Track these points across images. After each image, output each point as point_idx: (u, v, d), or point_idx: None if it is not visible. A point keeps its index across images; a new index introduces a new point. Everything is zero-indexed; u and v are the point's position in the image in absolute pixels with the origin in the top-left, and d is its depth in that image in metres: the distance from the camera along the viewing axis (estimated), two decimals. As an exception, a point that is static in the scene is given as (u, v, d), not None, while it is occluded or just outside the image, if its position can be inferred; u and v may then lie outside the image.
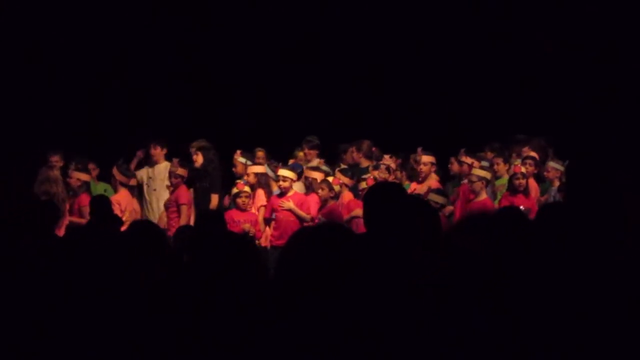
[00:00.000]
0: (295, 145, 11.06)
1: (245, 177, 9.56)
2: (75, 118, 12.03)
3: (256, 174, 9.47)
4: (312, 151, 10.29)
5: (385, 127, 11.85)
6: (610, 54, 11.55)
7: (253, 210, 9.26)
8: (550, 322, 1.99)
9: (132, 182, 9.96)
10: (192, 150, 10.18)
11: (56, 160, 10.14)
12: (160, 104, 12.37)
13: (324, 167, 9.74)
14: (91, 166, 10.17)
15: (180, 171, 9.67)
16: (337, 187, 9.11)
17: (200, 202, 9.84)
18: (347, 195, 9.31)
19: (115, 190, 9.70)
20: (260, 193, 9.34)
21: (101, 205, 8.05)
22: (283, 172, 9.23)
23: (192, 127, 11.96)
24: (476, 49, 11.91)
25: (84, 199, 9.32)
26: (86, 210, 8.83)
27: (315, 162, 10.04)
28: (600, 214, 2.19)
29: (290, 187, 9.18)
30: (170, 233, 8.07)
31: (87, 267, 3.50)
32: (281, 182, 9.12)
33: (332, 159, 10.53)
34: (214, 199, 9.78)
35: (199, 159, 10.02)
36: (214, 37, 12.44)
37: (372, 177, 9.11)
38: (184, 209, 9.48)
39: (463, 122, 11.55)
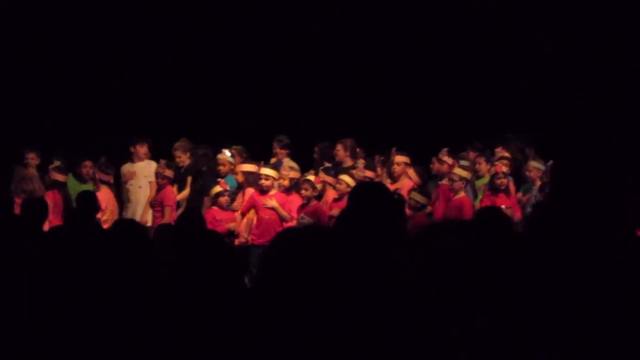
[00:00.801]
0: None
1: (235, 176, 9.55)
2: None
3: (244, 172, 9.44)
4: (283, 150, 10.20)
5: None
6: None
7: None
8: (534, 323, 1.99)
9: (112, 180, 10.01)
10: (180, 151, 10.13)
11: (32, 157, 10.11)
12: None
13: (293, 165, 9.75)
14: (86, 164, 10.10)
15: (167, 172, 9.67)
16: (319, 186, 9.10)
17: (193, 203, 9.75)
18: (331, 194, 9.29)
19: (97, 189, 9.65)
20: (249, 191, 9.30)
21: (88, 201, 8.00)
22: (265, 170, 9.17)
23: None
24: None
25: (51, 196, 9.26)
26: (51, 206, 8.65)
27: (286, 161, 9.97)
28: (596, 213, 2.19)
29: (272, 185, 9.15)
30: None
31: (79, 266, 3.50)
32: (263, 181, 9.05)
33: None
34: (206, 201, 9.63)
35: (183, 159, 10.01)
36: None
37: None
38: (168, 210, 9.48)
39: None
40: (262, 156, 10.30)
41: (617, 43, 11.56)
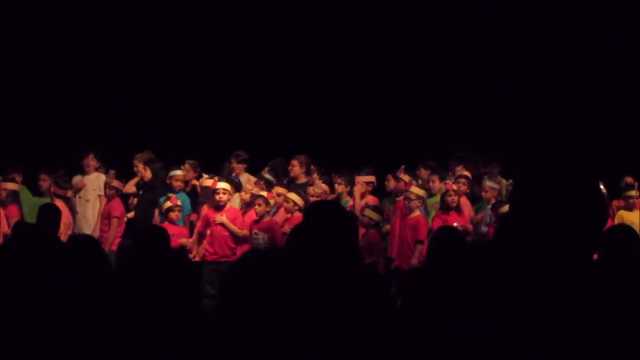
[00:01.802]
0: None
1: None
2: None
3: (201, 188, 9.44)
4: (240, 165, 10.07)
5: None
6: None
7: None
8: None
9: (69, 193, 9.90)
10: (138, 163, 9.95)
11: None
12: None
13: (268, 176, 9.66)
14: (18, 178, 9.96)
15: (116, 183, 9.60)
16: (272, 202, 9.08)
17: (139, 214, 9.67)
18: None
19: (52, 201, 9.53)
20: (205, 207, 9.24)
21: (51, 213, 7.88)
22: (222, 184, 9.09)
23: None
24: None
25: (12, 210, 9.24)
26: (13, 221, 8.61)
27: (245, 176, 9.91)
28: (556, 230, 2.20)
29: (228, 200, 9.10)
30: (103, 245, 8.08)
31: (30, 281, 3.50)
32: (221, 195, 8.98)
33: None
34: (157, 213, 9.51)
35: (147, 173, 9.80)
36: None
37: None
38: (114, 222, 9.42)
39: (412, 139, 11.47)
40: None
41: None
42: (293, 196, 8.95)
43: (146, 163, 9.84)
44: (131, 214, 9.87)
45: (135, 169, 9.95)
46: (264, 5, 12.21)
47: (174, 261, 3.41)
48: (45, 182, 9.99)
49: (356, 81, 12.15)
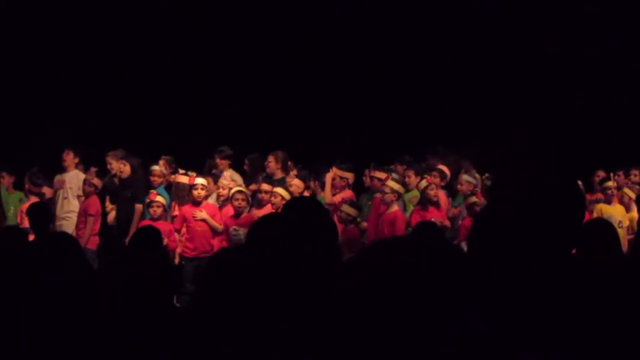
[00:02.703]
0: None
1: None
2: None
3: (174, 184, 9.36)
4: (224, 161, 10.04)
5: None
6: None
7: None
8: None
9: (47, 190, 9.88)
10: (113, 158, 9.89)
11: None
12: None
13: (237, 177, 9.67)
14: (4, 175, 10.00)
15: (95, 181, 9.54)
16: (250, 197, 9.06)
17: (121, 211, 9.63)
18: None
19: (27, 199, 9.54)
20: (180, 205, 9.20)
21: (40, 212, 7.89)
22: (200, 180, 9.08)
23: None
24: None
25: None
26: None
27: (229, 172, 9.87)
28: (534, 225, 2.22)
29: (207, 196, 9.09)
30: (81, 242, 7.99)
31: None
32: (199, 191, 8.96)
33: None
34: (138, 208, 9.44)
35: (126, 169, 9.69)
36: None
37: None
38: (90, 220, 9.37)
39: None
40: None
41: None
42: (280, 190, 8.88)
43: (123, 159, 9.76)
44: (111, 212, 9.84)
45: (109, 166, 9.88)
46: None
47: (162, 259, 3.42)
48: (4, 179, 9.99)
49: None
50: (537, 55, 11.86)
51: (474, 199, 8.80)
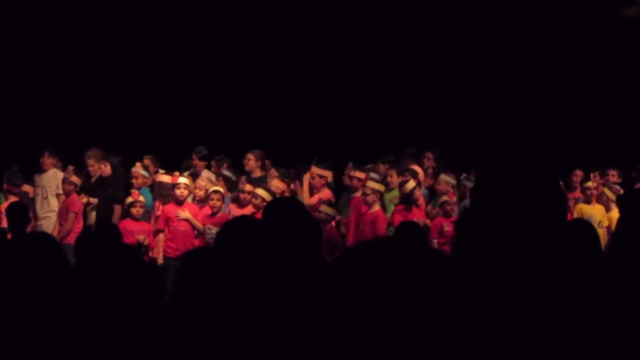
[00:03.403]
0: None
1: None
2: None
3: (156, 183, 9.33)
4: (201, 162, 10.07)
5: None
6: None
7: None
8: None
9: (27, 189, 9.90)
10: (92, 159, 9.88)
11: None
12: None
13: (226, 173, 9.64)
14: None
15: (74, 179, 9.55)
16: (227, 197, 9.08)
17: (102, 211, 9.63)
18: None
19: (6, 199, 9.51)
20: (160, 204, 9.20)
21: (18, 212, 7.71)
22: (183, 179, 9.07)
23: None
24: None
25: None
26: None
27: (205, 172, 9.87)
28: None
29: (188, 195, 9.08)
30: (59, 237, 8.12)
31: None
32: (182, 190, 8.95)
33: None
34: (117, 209, 9.47)
35: (106, 169, 9.72)
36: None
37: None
38: (71, 216, 9.37)
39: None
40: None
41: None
42: (261, 192, 8.90)
43: (103, 159, 9.77)
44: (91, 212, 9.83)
45: (90, 168, 9.86)
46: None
47: (128, 258, 3.40)
48: None
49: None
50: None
51: (445, 197, 8.85)
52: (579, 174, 10.12)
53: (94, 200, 9.84)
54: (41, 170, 10.17)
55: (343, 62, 12.15)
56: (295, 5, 12.15)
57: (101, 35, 12.18)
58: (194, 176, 9.51)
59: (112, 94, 12.35)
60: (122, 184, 9.61)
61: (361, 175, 9.16)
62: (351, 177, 9.47)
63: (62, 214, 9.54)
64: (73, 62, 12.18)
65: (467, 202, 8.54)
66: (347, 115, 12.03)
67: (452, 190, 9.00)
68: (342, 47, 12.11)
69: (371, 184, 8.80)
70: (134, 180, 9.48)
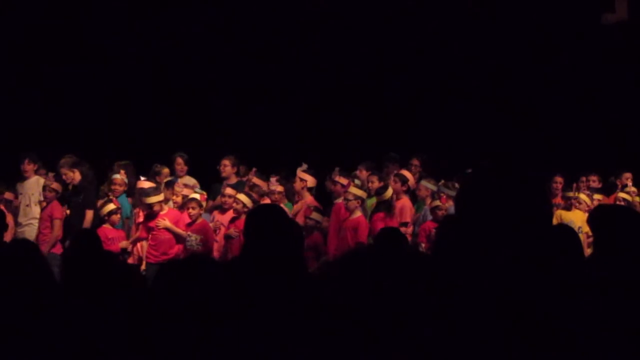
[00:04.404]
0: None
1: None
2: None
3: (137, 191, 9.37)
4: (185, 167, 10.22)
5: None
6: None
7: None
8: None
9: (9, 196, 9.97)
10: (65, 167, 9.79)
11: None
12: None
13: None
14: None
15: (55, 185, 9.55)
16: (204, 204, 9.20)
17: (74, 218, 9.57)
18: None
19: None
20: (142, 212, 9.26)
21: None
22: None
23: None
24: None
25: None
26: None
27: (186, 178, 10.00)
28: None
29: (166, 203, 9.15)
30: (43, 248, 8.14)
31: None
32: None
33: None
34: (88, 214, 9.44)
35: (76, 176, 9.67)
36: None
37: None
38: (57, 223, 9.42)
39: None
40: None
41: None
42: (242, 197, 8.98)
43: (72, 166, 9.72)
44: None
45: (64, 176, 9.78)
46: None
47: (108, 264, 3.51)
48: None
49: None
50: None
51: (436, 202, 8.80)
52: (559, 180, 10.23)
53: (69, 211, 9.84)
54: (23, 177, 10.16)
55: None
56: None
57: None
58: (171, 184, 9.51)
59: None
60: (92, 189, 9.62)
61: (344, 181, 9.13)
62: (335, 182, 9.42)
63: (44, 221, 9.54)
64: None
65: (450, 207, 8.54)
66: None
67: (444, 196, 8.94)
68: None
69: (353, 190, 8.79)
70: (115, 187, 9.46)
